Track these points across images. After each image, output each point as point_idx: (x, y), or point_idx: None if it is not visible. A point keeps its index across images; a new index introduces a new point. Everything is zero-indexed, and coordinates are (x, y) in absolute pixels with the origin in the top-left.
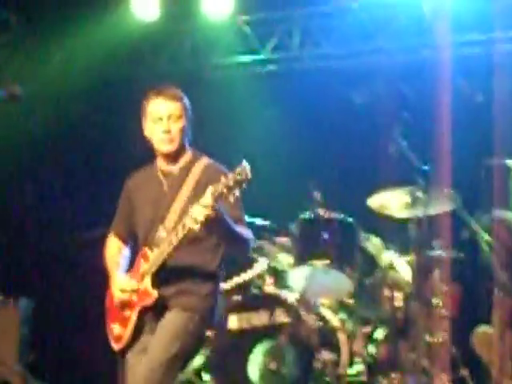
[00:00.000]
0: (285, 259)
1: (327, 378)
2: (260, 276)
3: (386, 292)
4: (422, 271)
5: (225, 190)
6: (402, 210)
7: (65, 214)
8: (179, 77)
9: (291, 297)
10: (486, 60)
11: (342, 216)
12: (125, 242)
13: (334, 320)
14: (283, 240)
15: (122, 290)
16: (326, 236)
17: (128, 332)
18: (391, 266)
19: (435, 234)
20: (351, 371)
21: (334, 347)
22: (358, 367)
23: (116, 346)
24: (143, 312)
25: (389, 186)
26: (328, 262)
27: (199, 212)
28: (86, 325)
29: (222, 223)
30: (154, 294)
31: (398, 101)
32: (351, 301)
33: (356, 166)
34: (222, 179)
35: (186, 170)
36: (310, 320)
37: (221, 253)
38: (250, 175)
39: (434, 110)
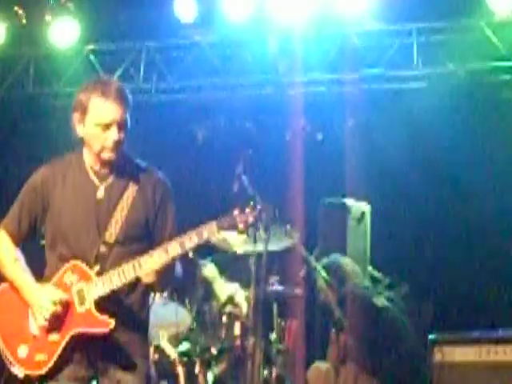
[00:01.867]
0: None
1: None
2: None
3: (225, 320)
4: (260, 306)
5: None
6: (242, 244)
7: None
8: (21, 102)
9: None
10: (327, 99)
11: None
12: (17, 242)
13: (172, 352)
14: None
15: (55, 302)
16: None
17: (54, 358)
18: (231, 298)
19: (275, 269)
20: None
21: (173, 379)
22: None
23: (20, 371)
24: (76, 338)
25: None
26: (166, 294)
27: (157, 262)
28: None
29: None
30: (111, 323)
31: (241, 136)
32: (190, 331)
33: (199, 200)
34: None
35: (124, 174)
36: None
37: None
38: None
39: (276, 148)
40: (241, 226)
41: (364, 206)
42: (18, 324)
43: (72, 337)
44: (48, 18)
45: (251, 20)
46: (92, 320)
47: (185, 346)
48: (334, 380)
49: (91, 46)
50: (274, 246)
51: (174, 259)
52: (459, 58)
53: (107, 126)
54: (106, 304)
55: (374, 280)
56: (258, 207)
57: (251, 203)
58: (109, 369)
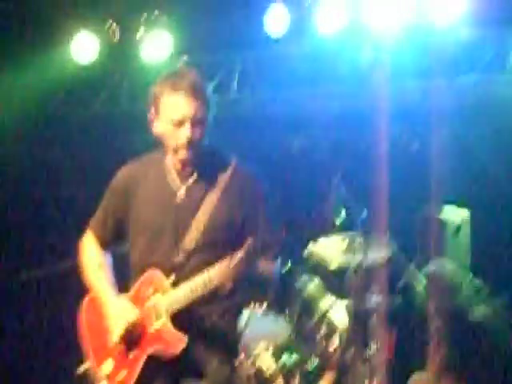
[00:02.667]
0: None
1: None
2: None
3: (322, 336)
4: (360, 317)
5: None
6: (339, 256)
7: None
8: (117, 118)
9: None
10: (421, 108)
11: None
12: (106, 246)
13: (271, 365)
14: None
15: (127, 322)
16: None
17: (134, 376)
18: (328, 311)
19: (373, 280)
20: None
21: None
22: None
23: None
24: (154, 359)
25: (328, 232)
26: (266, 305)
27: (225, 275)
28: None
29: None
30: (184, 340)
31: (336, 148)
32: (290, 343)
33: (296, 211)
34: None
35: (209, 172)
36: (247, 365)
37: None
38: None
39: (372, 158)
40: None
41: (461, 215)
42: (105, 337)
43: (149, 356)
44: (141, 31)
45: (344, 31)
46: (167, 337)
47: (285, 357)
48: None
49: (184, 58)
50: (371, 257)
51: (239, 271)
52: None
53: (180, 123)
54: (183, 317)
55: (475, 289)
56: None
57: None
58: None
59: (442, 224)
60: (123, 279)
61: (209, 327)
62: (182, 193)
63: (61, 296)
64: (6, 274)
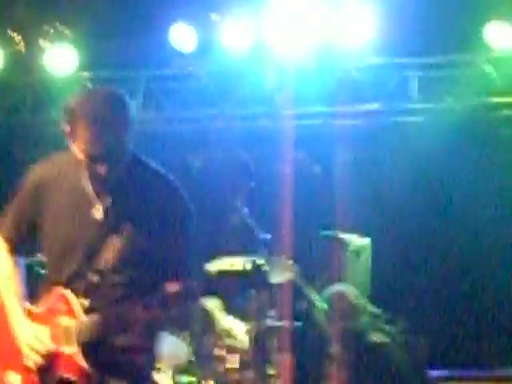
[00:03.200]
0: None
1: None
2: None
3: (220, 353)
4: (259, 339)
5: None
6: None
7: None
8: (19, 130)
9: None
10: (324, 132)
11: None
12: (14, 249)
13: None
14: None
15: (33, 350)
16: None
17: None
18: (230, 330)
19: (274, 303)
20: None
21: None
22: None
23: None
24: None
25: (230, 254)
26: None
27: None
28: None
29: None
30: (93, 376)
31: (238, 168)
32: (189, 364)
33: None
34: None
35: (128, 183)
36: None
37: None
38: None
39: (274, 180)
40: None
41: (362, 240)
42: (9, 348)
43: (58, 382)
44: (45, 44)
45: (250, 51)
46: (77, 368)
47: (183, 379)
48: None
49: (89, 74)
50: (273, 279)
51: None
52: (458, 94)
53: (95, 159)
54: (95, 348)
55: (372, 315)
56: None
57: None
58: None
59: (344, 244)
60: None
61: (120, 359)
62: (99, 209)
63: None
64: None
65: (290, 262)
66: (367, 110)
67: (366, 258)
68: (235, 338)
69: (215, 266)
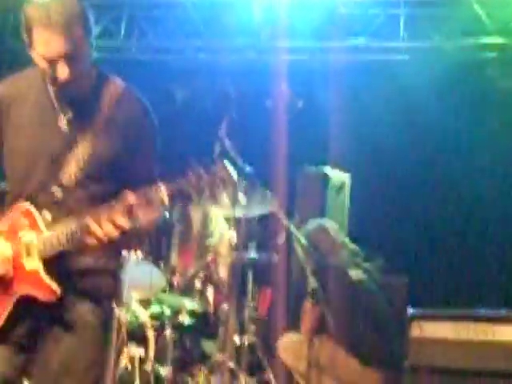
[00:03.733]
0: None
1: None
2: None
3: (198, 285)
4: (237, 271)
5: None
6: (222, 208)
7: None
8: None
9: None
10: (310, 67)
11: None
12: None
13: (144, 315)
14: None
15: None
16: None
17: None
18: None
19: (252, 235)
20: (158, 368)
21: (143, 342)
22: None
23: None
24: (22, 300)
25: None
26: (140, 254)
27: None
28: None
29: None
30: (56, 293)
31: (222, 100)
32: (163, 294)
33: (176, 162)
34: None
35: (92, 98)
36: (121, 314)
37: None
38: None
39: (257, 113)
40: (193, 193)
41: (344, 176)
42: None
43: (18, 299)
44: None
45: None
46: (39, 283)
47: (155, 308)
48: (305, 352)
49: None
50: (253, 212)
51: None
52: (446, 33)
53: (53, 61)
54: (56, 263)
55: (351, 252)
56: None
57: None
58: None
59: (326, 179)
60: None
61: (82, 271)
62: (62, 120)
63: None
64: None
65: (270, 194)
66: (353, 45)
67: (345, 194)
68: (213, 270)
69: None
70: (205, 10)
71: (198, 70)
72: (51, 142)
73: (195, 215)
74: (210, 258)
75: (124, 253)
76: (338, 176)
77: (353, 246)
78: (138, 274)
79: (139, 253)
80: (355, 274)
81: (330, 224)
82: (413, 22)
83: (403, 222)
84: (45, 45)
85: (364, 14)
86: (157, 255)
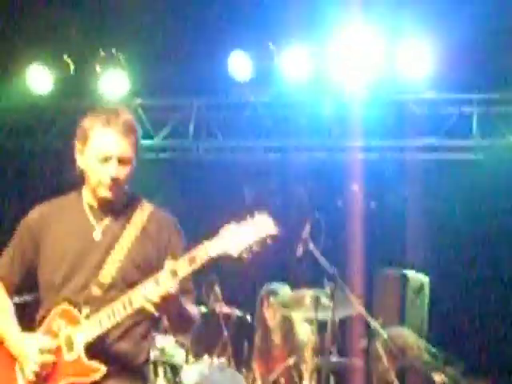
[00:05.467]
0: (179, 354)
1: None
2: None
3: None
4: (322, 377)
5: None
6: (305, 310)
7: None
8: (69, 155)
9: None
10: (381, 166)
11: (241, 313)
12: (11, 289)
13: None
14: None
15: (43, 351)
16: (224, 333)
17: None
18: (295, 367)
19: (335, 339)
20: None
21: None
22: None
23: None
24: None
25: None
26: (225, 359)
27: (154, 291)
28: None
29: (177, 304)
30: (101, 369)
31: (293, 200)
32: None
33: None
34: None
35: (126, 212)
36: None
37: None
38: (274, 231)
39: (329, 213)
40: (238, 246)
41: (423, 278)
42: (5, 379)
43: None
44: (97, 69)
45: (307, 81)
46: (81, 368)
47: None
48: None
49: (140, 101)
50: (337, 314)
51: (167, 291)
52: None
53: (107, 160)
54: (97, 349)
55: (432, 354)
56: (259, 221)
57: (257, 217)
58: None
59: (405, 281)
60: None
61: (125, 364)
62: (97, 232)
63: None
64: None
65: (354, 296)
66: (426, 144)
67: (425, 296)
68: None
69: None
70: (275, 109)
71: (267, 169)
72: (87, 250)
73: (276, 317)
74: (291, 362)
75: (206, 357)
76: (417, 278)
77: (433, 350)
78: (221, 379)
79: (222, 358)
80: (438, 378)
81: (408, 332)
82: (485, 120)
83: (484, 324)
84: (102, 143)
85: (436, 112)
86: (239, 360)
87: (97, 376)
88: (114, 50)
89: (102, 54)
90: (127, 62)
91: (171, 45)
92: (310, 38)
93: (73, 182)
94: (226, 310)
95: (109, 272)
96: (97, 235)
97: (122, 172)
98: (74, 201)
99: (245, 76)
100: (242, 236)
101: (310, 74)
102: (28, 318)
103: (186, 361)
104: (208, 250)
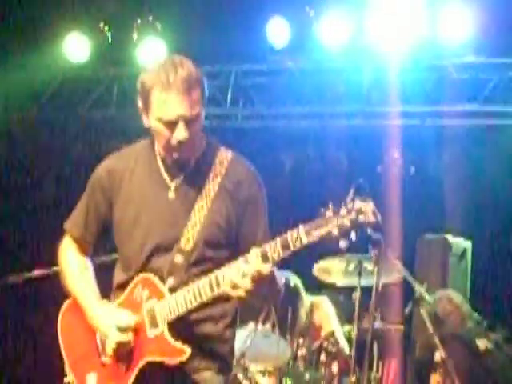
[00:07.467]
0: None
1: None
2: None
3: (324, 358)
4: (363, 343)
5: (323, 233)
6: (345, 277)
7: None
8: (104, 124)
9: None
10: (421, 132)
11: (286, 278)
12: (86, 250)
13: None
14: None
15: (121, 329)
16: None
17: None
18: (332, 335)
19: (378, 305)
20: None
21: None
22: None
23: None
24: (147, 367)
25: (335, 253)
26: (269, 325)
27: (236, 277)
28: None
29: (271, 285)
30: (186, 351)
31: (331, 167)
32: (290, 366)
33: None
34: (322, 222)
35: (202, 166)
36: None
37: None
38: (377, 216)
39: (369, 180)
40: (334, 231)
41: (465, 243)
42: (86, 348)
43: (143, 367)
44: (135, 37)
45: (346, 47)
46: (165, 347)
47: (283, 381)
48: None
49: None
50: (381, 280)
51: (258, 272)
52: None
53: (172, 123)
54: (180, 325)
55: (476, 320)
56: (358, 207)
57: (348, 203)
58: None
59: (448, 246)
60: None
61: (205, 336)
62: (172, 190)
63: (43, 303)
64: None
65: (397, 262)
66: (466, 109)
67: (467, 262)
68: (338, 342)
69: (320, 267)
70: (313, 75)
71: (306, 136)
72: (162, 210)
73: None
74: (333, 328)
75: (251, 324)
76: (460, 243)
77: (476, 316)
78: (265, 344)
79: (267, 325)
80: (482, 344)
81: (455, 294)
82: None
83: None
84: (164, 107)
85: (476, 77)
86: (283, 327)
87: (182, 358)
88: (150, 18)
89: (139, 21)
90: (164, 30)
91: (208, 12)
92: (348, 2)
93: (111, 150)
94: None
95: (189, 236)
96: (172, 194)
97: (191, 132)
98: (147, 154)
99: (283, 42)
100: (339, 221)
101: (348, 39)
102: (105, 280)
103: None
104: (303, 235)
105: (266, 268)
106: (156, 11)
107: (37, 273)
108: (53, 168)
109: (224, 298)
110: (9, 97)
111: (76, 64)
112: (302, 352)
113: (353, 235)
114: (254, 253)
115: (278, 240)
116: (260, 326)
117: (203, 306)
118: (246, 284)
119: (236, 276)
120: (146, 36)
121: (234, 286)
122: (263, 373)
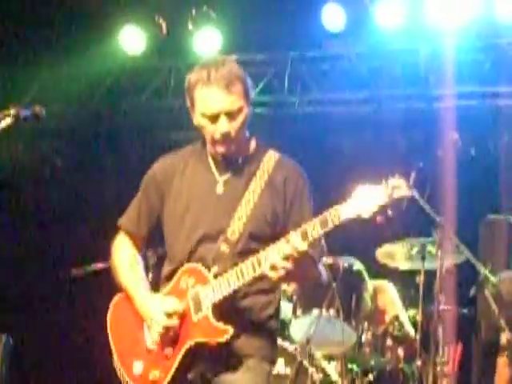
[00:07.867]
0: (287, 308)
1: None
2: None
3: (389, 343)
4: (427, 327)
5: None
6: (408, 261)
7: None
8: (161, 114)
9: (291, 347)
10: (480, 113)
11: (349, 263)
12: (139, 245)
13: (334, 373)
14: (286, 287)
15: (169, 314)
16: (332, 284)
17: (170, 375)
18: (397, 320)
19: (442, 288)
20: None
21: None
22: None
23: None
24: (192, 350)
25: (399, 236)
26: (334, 311)
27: (278, 257)
28: (67, 365)
29: (303, 268)
30: (229, 330)
31: (390, 151)
32: (355, 352)
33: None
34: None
35: (250, 164)
36: (312, 372)
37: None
38: (409, 192)
39: (429, 163)
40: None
41: None
42: (133, 338)
43: (188, 349)
44: (190, 27)
45: (402, 30)
46: (209, 329)
47: (349, 366)
48: None
49: (233, 57)
50: (444, 263)
51: (299, 252)
52: None
53: (214, 117)
54: (224, 309)
55: None
56: (394, 183)
57: (391, 180)
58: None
59: (511, 227)
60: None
61: (248, 323)
62: (220, 185)
63: (96, 297)
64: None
65: (461, 245)
66: None
67: None
68: (401, 325)
69: (382, 251)
70: (370, 60)
71: (364, 120)
72: (210, 203)
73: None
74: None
75: (315, 311)
76: None
77: None
78: (329, 330)
79: (331, 311)
80: None
81: None
82: None
83: None
84: (206, 102)
85: None
86: (348, 312)
87: (225, 338)
88: (205, 8)
89: (194, 12)
90: (219, 19)
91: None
92: None
93: (168, 143)
94: (329, 260)
95: (235, 228)
96: (220, 189)
97: (233, 125)
98: (198, 152)
99: (338, 27)
100: (375, 198)
101: (404, 22)
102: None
103: (294, 314)
104: (340, 212)
105: (303, 245)
106: (210, 1)
107: (99, 266)
108: (109, 159)
109: (267, 289)
110: (69, 91)
111: (132, 56)
112: (367, 337)
113: (389, 211)
114: (294, 233)
115: (317, 219)
116: (324, 312)
117: (246, 295)
118: (285, 264)
119: (276, 256)
120: (201, 26)
121: (273, 267)
122: (329, 359)
